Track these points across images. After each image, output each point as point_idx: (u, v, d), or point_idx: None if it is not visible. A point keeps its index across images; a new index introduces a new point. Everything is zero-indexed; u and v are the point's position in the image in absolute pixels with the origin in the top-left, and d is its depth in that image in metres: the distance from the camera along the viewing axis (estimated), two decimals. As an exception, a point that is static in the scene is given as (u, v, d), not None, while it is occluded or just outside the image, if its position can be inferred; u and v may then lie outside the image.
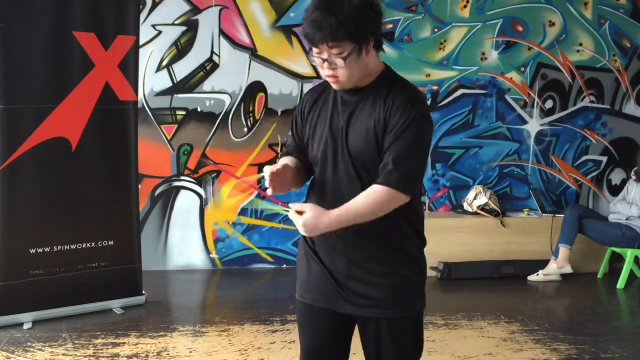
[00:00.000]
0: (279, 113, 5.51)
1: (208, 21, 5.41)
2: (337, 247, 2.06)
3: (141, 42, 4.76)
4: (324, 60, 1.94)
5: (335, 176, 2.05)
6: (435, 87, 5.67)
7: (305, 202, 2.11)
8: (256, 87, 5.50)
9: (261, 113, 5.52)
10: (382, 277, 2.05)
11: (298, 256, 2.25)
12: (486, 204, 5.49)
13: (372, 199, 1.94)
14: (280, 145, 2.14)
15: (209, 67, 5.45)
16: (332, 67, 1.95)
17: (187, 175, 5.52)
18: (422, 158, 2.03)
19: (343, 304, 2.09)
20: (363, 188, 1.98)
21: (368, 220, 1.96)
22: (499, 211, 5.48)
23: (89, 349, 3.70)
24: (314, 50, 1.95)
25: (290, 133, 2.22)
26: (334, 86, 2.03)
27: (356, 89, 2.03)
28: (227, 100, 5.48)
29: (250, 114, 5.52)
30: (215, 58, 5.45)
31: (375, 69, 2.03)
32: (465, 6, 5.63)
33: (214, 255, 5.61)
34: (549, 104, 5.80)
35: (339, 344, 2.21)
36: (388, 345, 2.10)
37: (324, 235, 2.01)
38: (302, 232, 1.98)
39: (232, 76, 5.47)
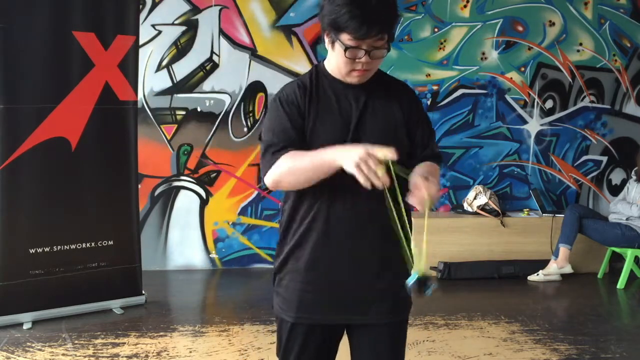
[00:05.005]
0: (279, 113, 5.50)
1: (208, 21, 5.41)
2: None
3: (141, 42, 4.76)
4: (365, 53, 1.86)
5: None
6: (435, 87, 5.67)
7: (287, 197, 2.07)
8: (256, 87, 5.50)
9: (261, 113, 5.51)
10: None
11: None
12: (486, 204, 5.49)
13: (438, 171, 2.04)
14: (267, 145, 1.95)
15: (209, 67, 5.45)
16: (374, 58, 1.89)
17: (187, 175, 5.52)
18: None
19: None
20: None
21: None
22: (499, 211, 5.47)
23: (89, 349, 3.70)
24: (355, 42, 1.84)
25: (280, 131, 1.96)
26: (358, 79, 1.95)
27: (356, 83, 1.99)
28: (227, 100, 5.48)
29: (250, 114, 5.52)
30: (215, 58, 5.44)
31: None
32: (465, 6, 5.63)
33: (214, 255, 5.60)
34: (549, 104, 5.80)
35: None
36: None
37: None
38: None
39: (232, 76, 5.47)
